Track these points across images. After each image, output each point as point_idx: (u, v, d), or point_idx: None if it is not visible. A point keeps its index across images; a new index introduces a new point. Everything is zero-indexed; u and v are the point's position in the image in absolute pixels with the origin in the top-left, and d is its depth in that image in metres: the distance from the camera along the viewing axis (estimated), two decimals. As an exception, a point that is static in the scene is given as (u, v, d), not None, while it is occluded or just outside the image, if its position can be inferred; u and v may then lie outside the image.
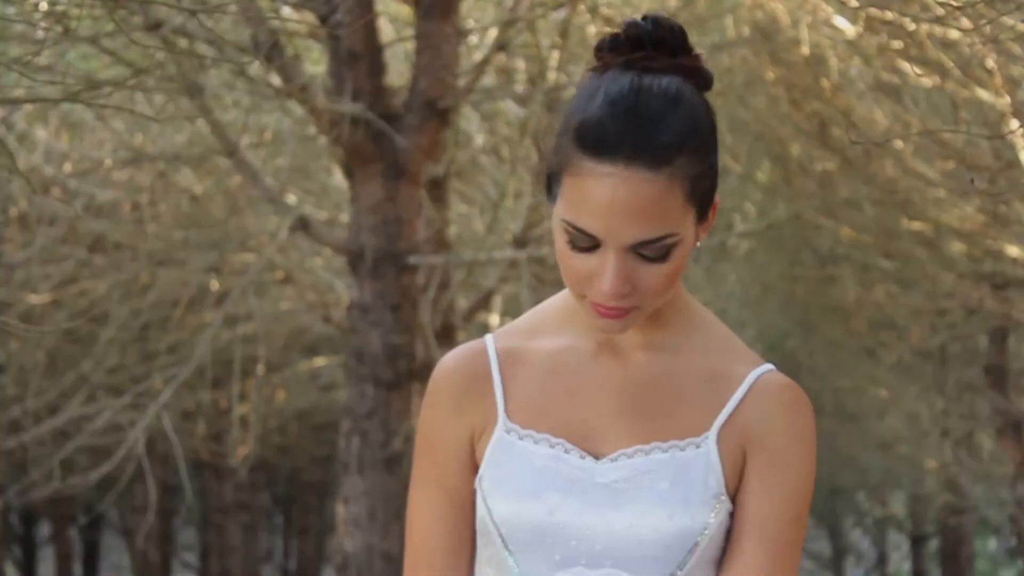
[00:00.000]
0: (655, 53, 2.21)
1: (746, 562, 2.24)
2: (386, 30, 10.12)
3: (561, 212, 2.20)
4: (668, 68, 2.22)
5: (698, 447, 2.26)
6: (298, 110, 9.98)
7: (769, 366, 2.31)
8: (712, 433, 2.27)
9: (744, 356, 2.32)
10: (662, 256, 2.20)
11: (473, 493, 2.32)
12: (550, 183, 2.25)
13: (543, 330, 2.36)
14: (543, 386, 2.32)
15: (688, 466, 2.25)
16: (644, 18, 2.22)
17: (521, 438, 2.29)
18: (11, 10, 6.15)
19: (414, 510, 2.35)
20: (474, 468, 2.33)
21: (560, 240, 2.22)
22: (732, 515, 2.27)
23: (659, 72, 2.21)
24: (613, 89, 2.19)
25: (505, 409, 2.32)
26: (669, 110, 2.18)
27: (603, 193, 2.16)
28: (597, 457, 2.28)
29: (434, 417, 2.35)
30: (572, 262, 2.21)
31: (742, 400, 2.28)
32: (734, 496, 2.27)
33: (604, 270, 2.19)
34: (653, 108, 2.17)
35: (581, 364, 2.32)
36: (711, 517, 2.24)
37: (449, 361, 2.37)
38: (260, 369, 11.67)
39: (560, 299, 2.38)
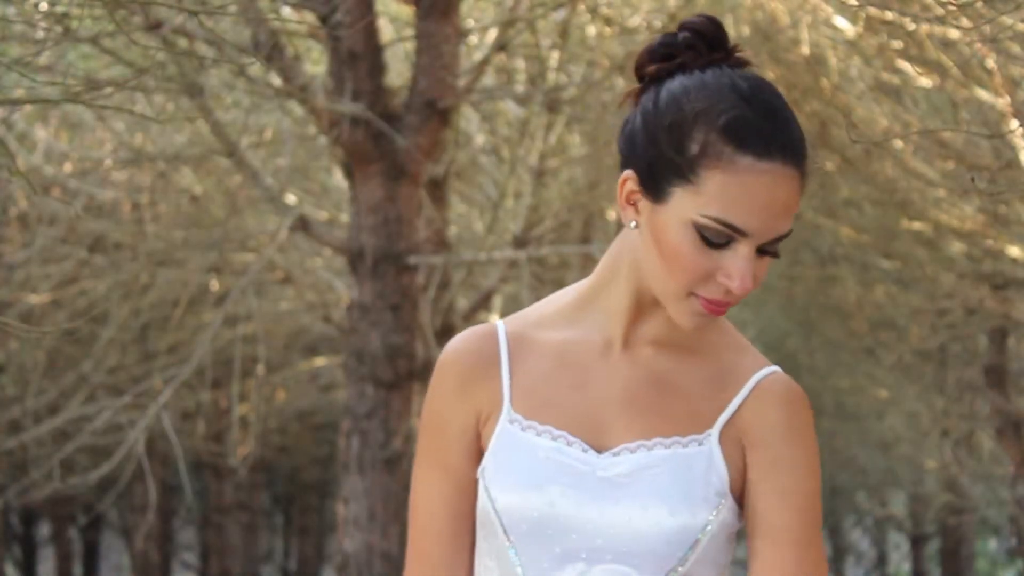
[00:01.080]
0: (726, 53, 2.23)
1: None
2: (386, 30, 10.12)
3: (698, 207, 2.17)
4: (739, 66, 2.24)
5: (700, 444, 2.25)
6: (298, 110, 9.99)
7: (775, 368, 2.30)
8: (715, 431, 2.25)
9: (751, 357, 2.31)
10: (776, 251, 2.21)
11: (476, 477, 2.30)
12: (659, 179, 2.20)
13: (553, 321, 2.34)
14: (549, 377, 2.30)
15: (690, 462, 2.23)
16: (705, 18, 2.23)
17: (524, 429, 2.27)
18: (11, 10, 6.14)
19: (417, 491, 2.33)
20: (478, 451, 2.30)
21: (685, 236, 2.18)
22: (742, 517, 2.26)
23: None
24: (740, 87, 2.18)
25: (510, 398, 2.29)
26: (789, 109, 2.21)
27: (765, 190, 2.16)
28: (600, 451, 2.26)
29: (440, 398, 2.32)
30: (697, 259, 2.18)
31: (744, 400, 2.27)
32: (740, 497, 2.25)
33: (737, 265, 2.18)
34: (781, 107, 2.20)
35: (589, 357, 2.31)
36: (712, 515, 2.22)
37: (458, 342, 2.34)
38: (260, 369, 11.66)
39: (571, 292, 2.36)
